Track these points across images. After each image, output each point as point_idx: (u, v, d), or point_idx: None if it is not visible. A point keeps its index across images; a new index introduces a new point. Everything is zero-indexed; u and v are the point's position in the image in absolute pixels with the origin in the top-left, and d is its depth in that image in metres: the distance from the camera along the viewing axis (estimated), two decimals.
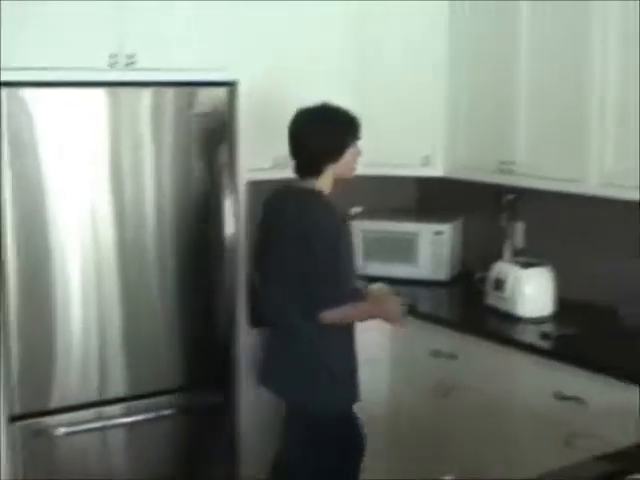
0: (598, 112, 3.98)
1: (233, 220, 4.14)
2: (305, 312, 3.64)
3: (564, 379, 3.77)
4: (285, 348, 3.80)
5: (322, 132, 3.72)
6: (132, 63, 3.88)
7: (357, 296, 3.78)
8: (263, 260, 3.88)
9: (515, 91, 4.37)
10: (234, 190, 4.14)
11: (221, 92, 4.08)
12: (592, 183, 4.04)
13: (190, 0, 3.98)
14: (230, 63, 4.07)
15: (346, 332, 3.77)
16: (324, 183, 3.76)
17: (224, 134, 4.12)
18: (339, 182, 3.82)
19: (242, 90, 4.09)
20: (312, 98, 4.61)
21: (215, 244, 4.15)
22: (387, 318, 3.91)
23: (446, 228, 4.99)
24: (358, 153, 3.81)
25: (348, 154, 3.76)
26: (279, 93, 4.44)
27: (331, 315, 3.61)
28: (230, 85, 4.08)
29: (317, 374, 3.73)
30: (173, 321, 4.11)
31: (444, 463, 4.31)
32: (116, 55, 3.86)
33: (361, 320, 3.79)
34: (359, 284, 3.93)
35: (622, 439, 2.95)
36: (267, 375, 3.93)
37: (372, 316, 3.85)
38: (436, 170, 4.79)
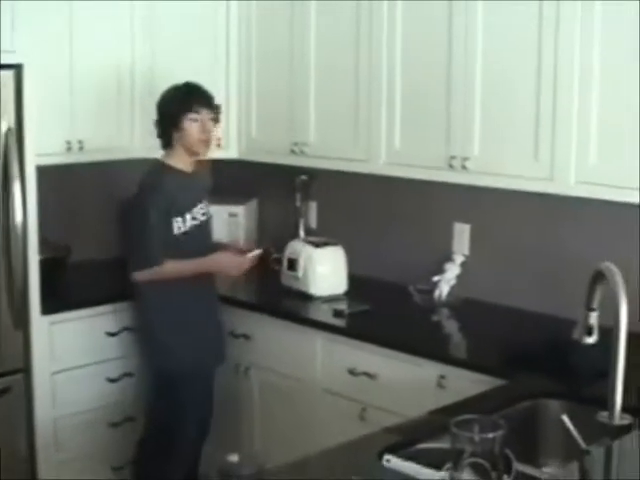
0: (386, 94, 4.10)
1: (22, 206, 4.02)
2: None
3: (358, 355, 3.86)
4: None
5: (162, 99, 4.08)
6: None
7: (158, 258, 3.94)
8: None
9: (306, 73, 4.43)
10: (23, 175, 4.03)
11: (7, 75, 3.95)
12: (380, 163, 4.15)
13: None
14: (17, 46, 3.96)
15: (170, 298, 4.04)
16: (177, 157, 4.07)
17: (12, 118, 4.00)
18: (195, 159, 4.13)
19: (29, 73, 3.98)
20: (102, 83, 4.57)
21: (4, 231, 4.02)
22: (220, 270, 4.15)
23: (240, 210, 5.03)
24: (199, 126, 4.03)
25: (186, 124, 4.00)
26: (67, 77, 4.39)
27: (141, 275, 3.96)
28: (16, 68, 3.97)
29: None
30: None
31: (240, 441, 4.37)
32: None
33: (190, 273, 4.00)
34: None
35: (412, 411, 3.05)
36: None
37: (200, 270, 4.04)
38: (230, 152, 4.80)
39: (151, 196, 3.95)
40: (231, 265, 4.12)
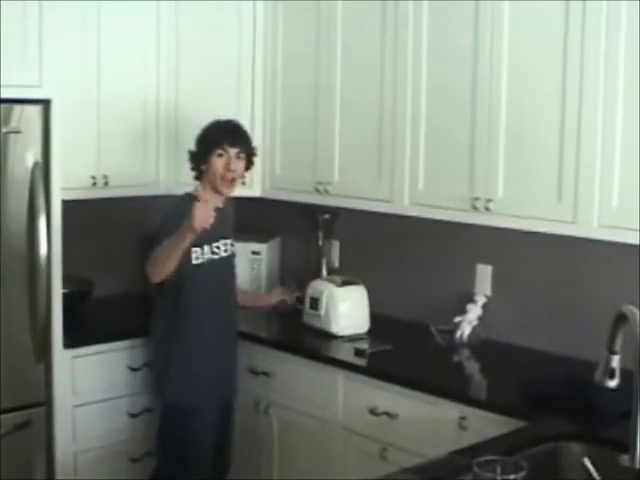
0: (410, 135, 4.12)
1: (47, 240, 4.04)
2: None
3: (379, 395, 3.85)
4: None
5: (200, 132, 4.09)
6: None
7: None
8: None
9: (330, 113, 4.47)
10: (49, 209, 4.06)
11: (35, 110, 4.00)
12: (403, 203, 4.17)
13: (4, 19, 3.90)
14: (44, 81, 4.02)
15: (181, 331, 4.03)
16: (206, 191, 3.94)
17: (38, 152, 4.04)
18: (224, 197, 4.09)
19: (57, 108, 4.02)
20: (128, 118, 4.61)
21: (29, 264, 4.05)
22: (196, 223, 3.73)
23: (263, 248, 5.04)
24: (224, 163, 4.01)
25: (212, 158, 4.02)
26: (94, 112, 4.45)
27: (152, 270, 3.86)
28: (44, 103, 4.01)
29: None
30: None
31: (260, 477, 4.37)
32: None
33: (181, 242, 3.73)
34: None
35: (432, 451, 3.04)
36: None
37: (186, 232, 3.73)
38: (253, 190, 4.82)
39: (171, 221, 3.86)
40: (199, 216, 3.70)
